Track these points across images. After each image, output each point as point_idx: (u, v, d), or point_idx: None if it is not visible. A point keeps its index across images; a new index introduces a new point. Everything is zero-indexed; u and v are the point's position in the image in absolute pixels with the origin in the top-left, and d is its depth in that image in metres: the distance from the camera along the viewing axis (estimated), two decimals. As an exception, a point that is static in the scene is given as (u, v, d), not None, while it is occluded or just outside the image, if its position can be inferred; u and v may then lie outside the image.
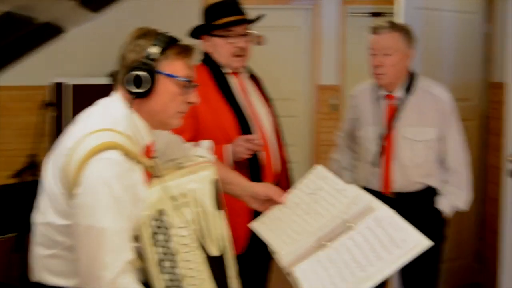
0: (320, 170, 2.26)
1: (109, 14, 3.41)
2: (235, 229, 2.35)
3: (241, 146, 2.57)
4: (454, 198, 2.94)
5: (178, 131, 2.16)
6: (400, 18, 3.93)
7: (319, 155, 5.66)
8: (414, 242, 1.80)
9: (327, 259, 1.93)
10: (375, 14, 5.08)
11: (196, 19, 2.83)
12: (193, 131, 2.55)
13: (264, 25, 2.89)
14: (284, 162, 2.87)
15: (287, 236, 2.12)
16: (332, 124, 5.40)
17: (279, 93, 5.52)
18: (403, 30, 2.85)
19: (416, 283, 3.00)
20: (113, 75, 1.95)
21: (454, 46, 4.47)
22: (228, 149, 2.60)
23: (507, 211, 3.46)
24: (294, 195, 2.24)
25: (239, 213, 2.46)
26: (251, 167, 2.65)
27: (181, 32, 2.19)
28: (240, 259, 2.62)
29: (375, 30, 2.84)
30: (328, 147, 4.30)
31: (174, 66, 1.87)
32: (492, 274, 3.70)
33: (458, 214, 4.73)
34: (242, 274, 2.65)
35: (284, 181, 2.77)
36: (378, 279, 1.79)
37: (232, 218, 2.38)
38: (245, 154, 2.59)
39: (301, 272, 1.94)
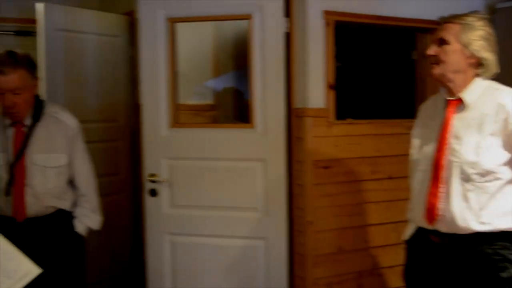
0: None
1: None
2: None
3: None
4: (88, 220, 3.03)
5: None
6: (41, 40, 3.89)
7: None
8: (25, 270, 1.80)
9: None
10: (20, 33, 4.92)
11: None
12: None
13: None
14: None
15: None
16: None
17: None
18: (27, 64, 2.80)
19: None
20: None
21: (99, 69, 4.56)
22: None
23: (148, 230, 3.66)
24: None
25: None
26: None
27: None
28: None
29: None
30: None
31: None
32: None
33: (115, 234, 4.87)
34: None
35: None
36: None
37: None
38: None
39: None
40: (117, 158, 4.88)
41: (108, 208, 4.74)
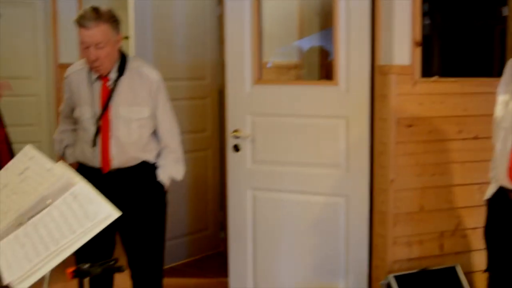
0: (28, 150, 2.28)
1: None
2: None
3: None
4: (171, 170, 3.12)
5: None
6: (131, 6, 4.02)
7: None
8: (105, 213, 1.90)
9: (24, 236, 1.96)
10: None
11: None
12: None
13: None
14: (3, 141, 2.82)
15: (-8, 216, 2.11)
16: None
17: (18, 72, 5.33)
18: (109, 19, 2.88)
19: (142, 256, 3.13)
20: None
21: (187, 28, 4.66)
22: None
23: (231, 184, 3.75)
24: (2, 175, 2.25)
25: None
26: None
27: None
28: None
29: (81, 23, 2.82)
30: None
31: None
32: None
33: (202, 187, 5.02)
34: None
35: (7, 160, 2.71)
36: (69, 251, 1.87)
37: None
38: None
39: (-1, 250, 1.96)
40: (204, 115, 5.00)
41: (194, 164, 4.90)
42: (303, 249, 3.60)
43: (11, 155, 2.89)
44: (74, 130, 3.15)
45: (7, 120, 2.85)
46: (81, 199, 1.97)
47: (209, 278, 4.64)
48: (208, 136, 5.04)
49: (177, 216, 4.69)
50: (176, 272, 4.74)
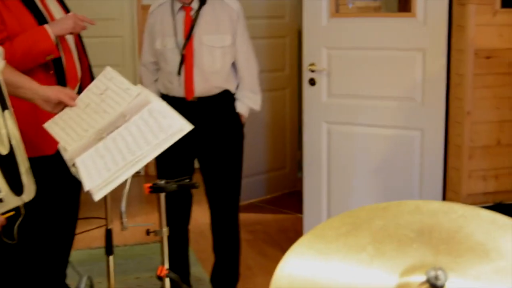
0: (108, 71, 2.41)
1: None
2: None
3: (71, 20, 2.66)
4: (248, 101, 3.20)
5: None
6: None
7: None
8: (178, 126, 2.00)
9: (104, 148, 2.10)
10: None
11: None
12: None
13: None
14: (86, 66, 2.96)
15: (75, 133, 2.27)
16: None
17: (103, 13, 5.50)
18: None
19: (220, 184, 3.24)
20: None
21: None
22: (54, 25, 2.66)
23: (306, 118, 3.79)
24: (85, 96, 2.39)
25: (51, 115, 2.51)
26: (56, 71, 2.73)
27: None
28: (53, 158, 2.74)
29: None
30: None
31: None
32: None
33: (281, 126, 5.09)
34: (56, 172, 2.77)
35: (88, 84, 2.86)
36: (144, 161, 2.00)
37: (44, 119, 2.48)
38: (72, 30, 2.68)
39: (81, 162, 2.10)
40: (283, 54, 5.03)
41: (273, 103, 4.98)
42: (376, 184, 3.63)
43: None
44: (156, 63, 3.26)
45: (91, 61, 3.00)
46: (156, 114, 2.09)
47: (286, 214, 4.75)
48: (286, 75, 5.09)
49: (256, 154, 4.80)
50: (254, 208, 4.88)
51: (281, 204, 5.02)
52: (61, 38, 2.77)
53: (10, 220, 2.19)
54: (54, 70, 2.74)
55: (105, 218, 2.54)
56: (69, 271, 3.29)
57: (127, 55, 5.75)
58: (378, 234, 1.27)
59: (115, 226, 2.50)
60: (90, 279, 3.31)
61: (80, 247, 3.76)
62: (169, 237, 3.32)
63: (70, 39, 2.87)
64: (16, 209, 2.19)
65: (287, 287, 1.14)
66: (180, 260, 3.35)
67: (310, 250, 1.24)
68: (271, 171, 5.14)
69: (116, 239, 2.62)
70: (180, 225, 3.31)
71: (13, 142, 2.10)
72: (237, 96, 3.19)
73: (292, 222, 4.56)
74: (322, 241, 1.26)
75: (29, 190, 2.17)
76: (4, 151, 2.08)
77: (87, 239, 3.96)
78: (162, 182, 2.25)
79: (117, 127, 2.14)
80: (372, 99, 3.55)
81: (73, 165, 2.17)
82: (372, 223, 1.33)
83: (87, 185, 2.01)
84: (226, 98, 3.18)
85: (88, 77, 2.94)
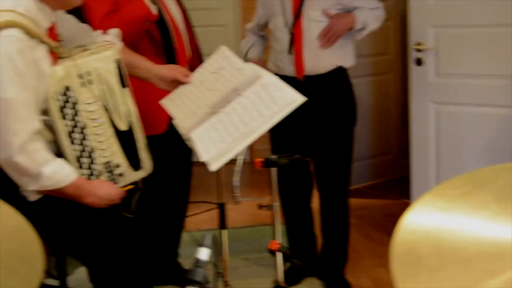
0: (223, 50, 2.47)
1: None
2: (157, 109, 2.56)
3: None
4: (367, 14, 3.11)
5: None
6: None
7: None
8: (290, 98, 2.03)
9: (218, 122, 2.16)
10: None
11: None
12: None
13: None
14: (195, 48, 3.05)
15: (189, 110, 2.35)
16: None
17: (206, 3, 5.62)
18: None
19: (331, 166, 3.23)
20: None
21: None
22: None
23: (413, 99, 3.72)
24: (199, 74, 2.47)
25: (163, 94, 2.61)
26: (167, 52, 2.82)
27: None
28: (163, 137, 2.85)
29: None
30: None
31: None
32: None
33: (385, 111, 5.03)
34: (165, 151, 2.88)
35: (197, 65, 2.94)
36: (258, 133, 2.04)
37: (154, 99, 2.59)
38: None
39: (196, 135, 2.18)
40: (386, 38, 4.96)
41: (377, 88, 4.92)
42: (486, 166, 3.51)
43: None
44: (262, 44, 3.31)
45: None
46: (268, 88, 2.13)
47: (391, 200, 4.70)
48: (390, 59, 5.02)
49: (360, 139, 4.74)
50: (358, 193, 4.84)
51: (386, 190, 4.96)
52: (172, 22, 2.86)
53: (128, 195, 2.30)
54: (165, 52, 2.84)
55: (218, 194, 2.59)
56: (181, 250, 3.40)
57: (230, 44, 5.83)
58: (502, 193, 1.25)
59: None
60: (215, 237, 3.40)
61: (190, 229, 3.87)
62: (292, 217, 3.39)
63: (180, 22, 2.96)
64: (134, 183, 2.31)
65: (411, 238, 1.14)
66: (306, 239, 3.41)
67: (433, 208, 1.24)
68: (375, 156, 5.09)
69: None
70: (303, 204, 3.35)
71: (132, 119, 2.20)
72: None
73: (398, 207, 4.49)
74: (443, 199, 1.25)
75: (147, 166, 2.28)
76: (124, 127, 2.18)
77: (196, 222, 4.07)
78: (274, 157, 2.29)
79: (229, 102, 2.20)
80: (483, 77, 3.44)
81: (188, 139, 2.25)
82: (495, 183, 1.31)
83: (203, 157, 2.07)
84: (340, 76, 3.15)
85: (197, 58, 3.03)
